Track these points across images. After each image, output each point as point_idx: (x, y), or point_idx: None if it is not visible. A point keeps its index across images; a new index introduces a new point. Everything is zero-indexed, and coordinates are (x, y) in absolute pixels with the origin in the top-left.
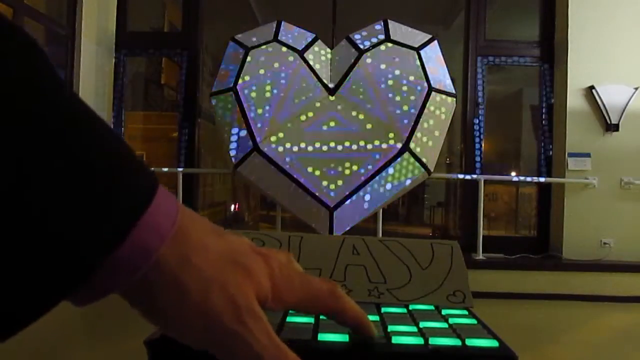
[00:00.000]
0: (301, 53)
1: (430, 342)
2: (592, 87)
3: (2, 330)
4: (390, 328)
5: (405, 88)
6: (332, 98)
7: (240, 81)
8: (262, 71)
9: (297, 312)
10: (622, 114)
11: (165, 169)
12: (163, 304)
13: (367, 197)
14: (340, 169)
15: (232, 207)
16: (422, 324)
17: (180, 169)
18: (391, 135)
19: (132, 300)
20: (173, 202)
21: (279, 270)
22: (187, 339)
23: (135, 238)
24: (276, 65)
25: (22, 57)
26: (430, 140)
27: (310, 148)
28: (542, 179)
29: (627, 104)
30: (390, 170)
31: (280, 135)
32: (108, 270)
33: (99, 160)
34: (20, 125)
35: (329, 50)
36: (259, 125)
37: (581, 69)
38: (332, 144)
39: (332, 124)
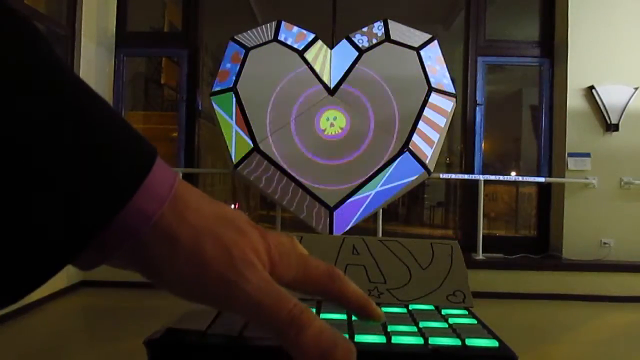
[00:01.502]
0: (301, 53)
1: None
2: (592, 87)
3: (12, 293)
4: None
5: (405, 88)
6: (331, 97)
7: (240, 81)
8: (262, 71)
9: (293, 290)
10: (622, 114)
11: None
12: (157, 259)
13: (367, 197)
14: (340, 168)
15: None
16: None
17: (181, 169)
18: (391, 135)
19: (132, 262)
20: (170, 172)
21: (275, 246)
22: (183, 292)
23: (136, 202)
24: (276, 65)
25: (19, 31)
26: (430, 140)
27: (310, 148)
28: (542, 179)
29: (627, 104)
30: (390, 170)
31: (280, 135)
32: (111, 232)
33: (101, 129)
34: (21, 95)
35: (328, 50)
36: (258, 125)
37: (581, 69)
38: (332, 144)
39: (331, 123)
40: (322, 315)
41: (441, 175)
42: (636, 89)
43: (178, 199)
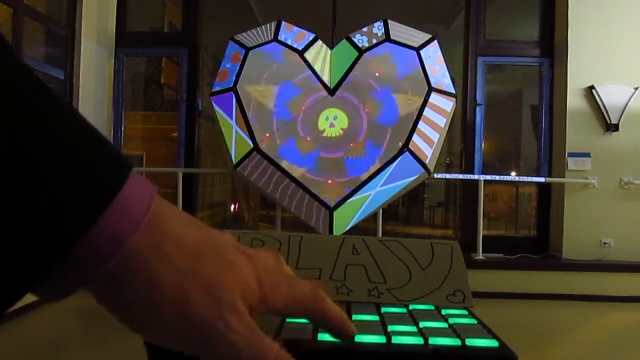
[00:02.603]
0: (301, 53)
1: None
2: (592, 87)
3: None
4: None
5: (405, 88)
6: (332, 97)
7: (240, 81)
8: (261, 71)
9: (279, 315)
10: (622, 113)
11: (165, 169)
12: (135, 299)
13: (367, 197)
14: (340, 168)
15: (232, 207)
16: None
17: (180, 169)
18: (391, 135)
19: (102, 295)
20: (148, 188)
21: (264, 273)
22: (163, 339)
23: (104, 224)
24: (276, 65)
25: None
26: (430, 140)
27: (310, 147)
28: (542, 179)
29: (627, 104)
30: (390, 170)
31: (280, 135)
32: (75, 260)
33: (65, 142)
34: None
35: (328, 50)
36: (258, 125)
37: (581, 69)
38: (332, 144)
39: (331, 123)
40: None
41: (441, 175)
42: (636, 89)
43: (156, 222)
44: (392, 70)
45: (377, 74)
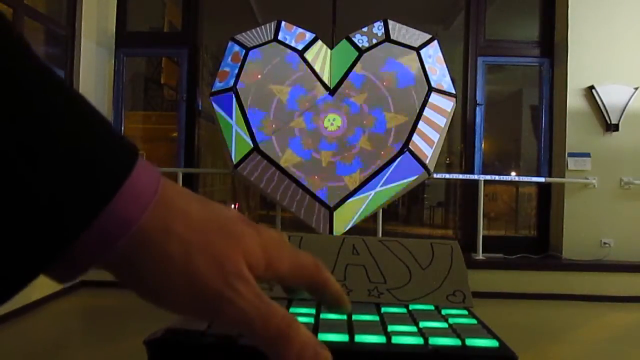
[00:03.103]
0: (301, 53)
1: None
2: (592, 87)
3: None
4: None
5: (405, 88)
6: (332, 97)
7: (240, 81)
8: (262, 71)
9: (283, 283)
10: (622, 114)
11: (165, 169)
12: (146, 273)
13: (367, 197)
14: (340, 168)
15: (232, 207)
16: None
17: (180, 169)
18: (391, 135)
19: (116, 273)
20: (154, 172)
21: (270, 240)
22: (176, 307)
23: (114, 207)
24: (276, 65)
25: None
26: (430, 140)
27: (310, 147)
28: (542, 179)
29: (627, 104)
30: (390, 170)
31: (280, 134)
32: (87, 241)
33: (76, 129)
34: None
35: (328, 50)
36: (258, 125)
37: (581, 69)
38: (332, 144)
39: (332, 123)
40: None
41: (441, 175)
42: (636, 89)
43: (163, 204)
44: (392, 70)
45: (377, 74)
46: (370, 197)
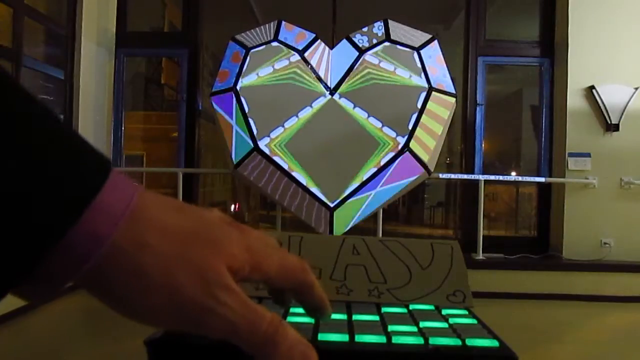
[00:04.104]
0: (301, 53)
1: (430, 342)
2: (592, 87)
3: None
4: (390, 328)
5: (405, 88)
6: (332, 97)
7: (240, 81)
8: (262, 71)
9: (269, 284)
10: (622, 114)
11: (165, 169)
12: (124, 291)
13: (368, 197)
14: (340, 168)
15: (232, 207)
16: (422, 324)
17: (181, 169)
18: (391, 135)
19: (91, 290)
20: (128, 186)
21: (255, 240)
22: (157, 322)
23: (84, 223)
24: (276, 65)
25: None
26: (430, 140)
27: (310, 147)
28: (542, 179)
29: (627, 104)
30: (390, 170)
31: (280, 134)
32: (56, 259)
33: (44, 145)
34: None
35: (329, 49)
36: (258, 125)
37: (581, 69)
38: (332, 144)
39: (332, 123)
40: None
41: (441, 175)
42: (636, 89)
43: (136, 217)
44: (392, 70)
45: (377, 74)
46: (370, 197)
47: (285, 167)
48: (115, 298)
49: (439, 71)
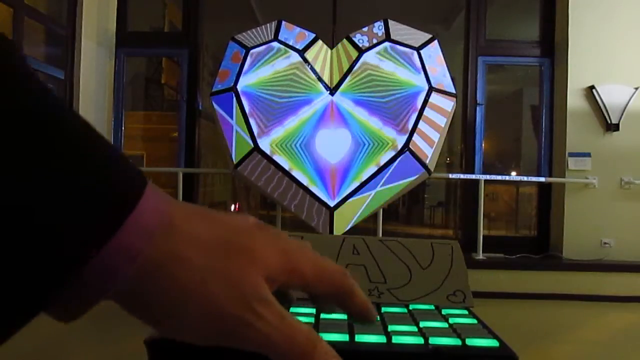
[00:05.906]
0: (301, 53)
1: (430, 342)
2: (592, 87)
3: None
4: (391, 328)
5: (405, 88)
6: (332, 97)
7: (240, 81)
8: (262, 71)
9: (307, 291)
10: (622, 113)
11: (166, 169)
12: (160, 306)
13: (368, 197)
14: (340, 168)
15: (232, 207)
16: (422, 324)
17: (181, 169)
18: (391, 135)
19: (127, 305)
20: (161, 198)
21: (290, 243)
22: (193, 337)
23: (119, 238)
24: (276, 65)
25: None
26: (430, 140)
27: (310, 147)
28: (542, 179)
29: (627, 104)
30: (390, 170)
31: (281, 134)
32: (90, 275)
33: (79, 157)
34: None
35: (329, 49)
36: (259, 125)
37: (581, 69)
38: (333, 144)
39: (332, 123)
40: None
41: (441, 175)
42: (636, 89)
43: (170, 231)
44: (392, 70)
45: (377, 74)
46: (371, 197)
47: (286, 166)
48: (152, 313)
49: (439, 71)
